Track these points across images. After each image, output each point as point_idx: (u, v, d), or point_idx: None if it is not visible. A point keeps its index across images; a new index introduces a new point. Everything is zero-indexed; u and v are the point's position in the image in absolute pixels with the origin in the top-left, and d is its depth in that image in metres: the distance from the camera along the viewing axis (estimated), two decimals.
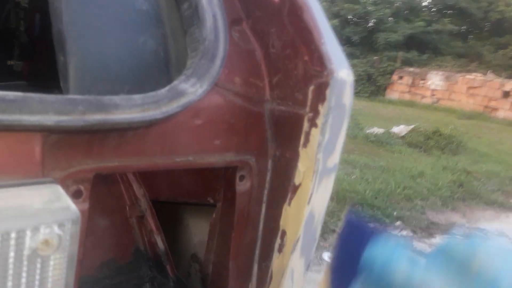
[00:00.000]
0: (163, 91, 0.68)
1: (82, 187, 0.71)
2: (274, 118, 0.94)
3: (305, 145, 0.90)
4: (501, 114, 15.42)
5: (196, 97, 0.71)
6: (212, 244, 1.15)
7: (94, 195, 1.36)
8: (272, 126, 0.96)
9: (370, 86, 18.67)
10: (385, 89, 18.85)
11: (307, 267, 1.02)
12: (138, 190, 1.40)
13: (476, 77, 16.43)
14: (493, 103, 15.76)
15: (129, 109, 0.62)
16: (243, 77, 0.89)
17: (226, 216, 1.06)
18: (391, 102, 17.46)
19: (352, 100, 0.89)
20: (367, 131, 8.79)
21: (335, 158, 0.93)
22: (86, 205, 0.72)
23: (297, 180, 0.94)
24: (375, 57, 19.70)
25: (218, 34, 0.78)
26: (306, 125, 0.88)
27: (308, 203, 0.93)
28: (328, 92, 0.82)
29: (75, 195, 0.71)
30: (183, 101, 0.69)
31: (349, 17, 23.72)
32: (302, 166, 0.92)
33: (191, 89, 0.71)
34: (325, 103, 0.83)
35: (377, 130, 8.95)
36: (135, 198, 1.40)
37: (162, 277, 1.37)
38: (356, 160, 6.91)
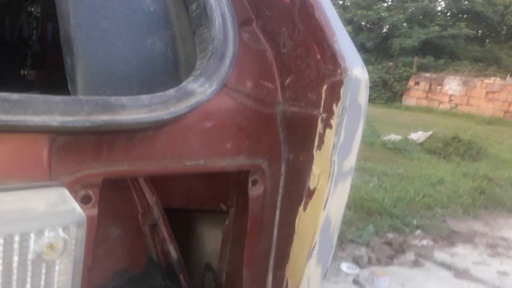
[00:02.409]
0: (171, 91, 0.66)
1: (91, 192, 0.69)
2: (286, 120, 0.92)
3: (319, 147, 0.87)
4: None
5: (205, 97, 0.69)
6: (225, 252, 1.13)
7: (106, 203, 1.35)
8: (285, 128, 0.93)
9: (386, 92, 18.49)
10: (401, 95, 18.64)
11: (324, 275, 0.98)
12: (151, 198, 1.39)
13: (495, 81, 16.12)
14: None
15: (136, 110, 0.60)
16: (254, 78, 0.87)
17: (239, 223, 1.03)
18: (408, 108, 17.24)
19: (367, 100, 0.86)
20: (384, 138, 8.67)
21: (351, 160, 0.90)
22: (95, 211, 0.70)
23: (312, 184, 0.90)
24: (390, 63, 19.54)
25: (227, 34, 0.76)
26: (320, 126, 0.85)
27: (324, 208, 0.89)
28: (342, 91, 0.79)
29: (84, 200, 0.69)
30: (191, 101, 0.67)
31: (362, 23, 23.65)
32: (316, 169, 0.89)
33: (200, 89, 0.69)
34: (339, 103, 0.80)
35: (394, 137, 8.82)
36: (147, 206, 1.39)
37: (175, 286, 1.34)
38: (373, 167, 6.81)
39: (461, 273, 3.96)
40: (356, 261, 3.93)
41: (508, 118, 15.18)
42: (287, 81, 0.89)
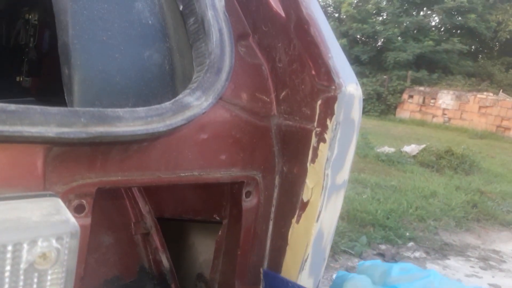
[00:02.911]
0: (168, 104, 0.67)
1: (84, 202, 0.70)
2: (281, 133, 0.93)
3: (313, 160, 0.88)
4: None
5: (201, 111, 0.70)
6: (218, 263, 1.12)
7: (99, 211, 1.35)
8: (279, 141, 0.94)
9: (380, 105, 18.62)
10: (395, 108, 18.78)
11: (317, 287, 0.99)
12: (144, 207, 1.38)
13: (487, 96, 16.30)
14: (505, 123, 15.57)
15: (132, 122, 0.61)
16: (249, 92, 0.88)
17: (232, 234, 1.04)
18: (401, 121, 17.35)
19: (361, 115, 0.87)
20: (378, 150, 8.72)
21: (344, 174, 0.91)
22: (88, 220, 0.71)
23: (305, 197, 0.91)
24: (384, 76, 19.71)
25: (224, 48, 0.78)
26: (314, 140, 0.86)
27: (317, 220, 0.90)
28: (336, 106, 0.80)
29: (77, 210, 0.69)
30: (187, 114, 0.67)
31: (357, 36, 23.88)
32: (310, 182, 0.90)
33: (196, 102, 0.70)
34: (333, 118, 0.81)
35: (387, 149, 8.87)
36: (140, 215, 1.39)
37: None
38: (367, 179, 6.83)
39: None
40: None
41: (500, 133, 15.33)
42: (282, 95, 0.90)
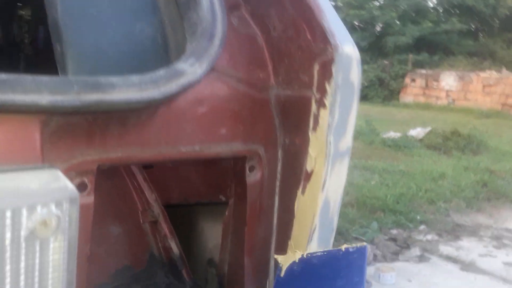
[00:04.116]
0: (161, 71, 0.66)
1: (86, 180, 0.69)
2: (280, 104, 0.92)
3: (314, 128, 0.87)
4: None
5: (196, 77, 0.69)
6: (226, 243, 1.12)
7: (105, 202, 1.35)
8: (279, 113, 0.93)
9: (383, 91, 18.51)
10: (398, 93, 18.66)
11: None
12: (150, 195, 1.38)
13: (490, 74, 16.15)
14: (510, 101, 15.43)
15: (126, 89, 0.60)
16: (245, 63, 0.87)
17: (238, 211, 1.03)
18: (405, 105, 17.25)
19: (360, 78, 0.86)
20: (384, 136, 8.67)
21: (347, 140, 0.89)
22: (91, 199, 0.70)
23: (309, 167, 0.90)
24: (385, 61, 19.58)
25: (216, 15, 0.76)
26: (314, 107, 0.85)
27: (322, 190, 0.89)
28: (334, 69, 0.79)
29: (80, 188, 0.68)
30: (182, 81, 0.66)
31: (355, 23, 23.72)
32: (313, 151, 0.89)
33: (190, 69, 0.69)
34: (331, 81, 0.80)
35: (393, 134, 8.82)
36: (147, 203, 1.38)
37: (178, 282, 1.33)
38: (374, 165, 6.80)
39: (467, 266, 3.93)
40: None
41: (506, 111, 15.19)
42: (279, 64, 0.89)
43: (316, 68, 0.82)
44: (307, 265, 0.49)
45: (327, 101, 0.82)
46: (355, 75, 0.83)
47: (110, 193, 1.35)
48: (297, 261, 0.51)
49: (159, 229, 1.37)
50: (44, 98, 0.53)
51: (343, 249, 0.46)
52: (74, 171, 0.66)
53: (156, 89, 0.63)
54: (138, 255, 1.39)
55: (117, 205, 1.39)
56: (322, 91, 0.82)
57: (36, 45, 1.43)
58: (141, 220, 1.38)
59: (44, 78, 0.54)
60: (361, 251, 0.45)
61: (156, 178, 1.39)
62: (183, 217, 1.43)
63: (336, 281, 0.47)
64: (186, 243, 1.38)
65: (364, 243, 0.45)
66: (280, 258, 0.51)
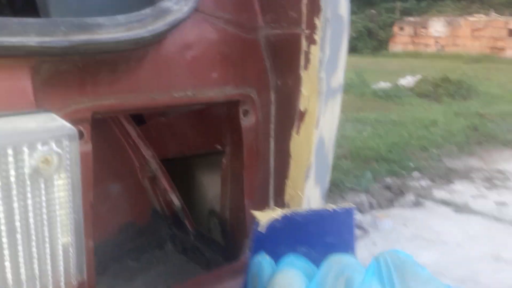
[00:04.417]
0: (147, 10, 0.65)
1: (81, 128, 0.69)
2: (270, 44, 0.91)
3: (306, 66, 0.87)
4: (509, 53, 15.04)
5: (182, 15, 0.68)
6: (226, 190, 1.14)
7: (102, 162, 1.35)
8: (270, 55, 0.93)
9: (372, 41, 18.28)
10: (387, 43, 18.45)
11: (324, 196, 1.00)
12: (146, 152, 1.39)
13: (479, 18, 15.97)
14: (499, 43, 15.36)
15: (113, 29, 0.59)
16: (231, 3, 0.85)
17: (236, 158, 1.04)
18: (395, 55, 17.11)
19: (349, 13, 0.85)
20: (374, 87, 8.66)
21: (339, 77, 0.90)
22: (89, 147, 0.70)
23: (302, 106, 0.91)
24: (372, 11, 19.20)
25: None
26: (304, 44, 0.84)
27: (317, 127, 0.90)
28: (322, 2, 0.78)
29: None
30: (169, 19, 0.65)
31: None
32: (305, 90, 0.89)
33: (175, 6, 0.67)
34: (320, 15, 0.79)
35: (384, 84, 8.81)
36: (144, 160, 1.39)
37: (182, 233, 1.37)
38: (366, 117, 6.84)
39: (460, 208, 4.05)
40: (358, 207, 4.01)
41: (495, 54, 15.15)
42: (266, 2, 0.87)
43: (304, 2, 0.80)
44: (291, 222, 0.49)
45: (317, 37, 0.81)
46: (344, 8, 0.81)
47: (106, 153, 1.36)
48: (279, 218, 0.50)
49: (158, 184, 1.39)
50: (32, 40, 0.52)
51: (331, 210, 0.45)
52: (69, 119, 0.66)
53: (144, 28, 0.62)
54: (141, 210, 1.41)
55: (115, 164, 1.39)
56: (312, 27, 0.81)
57: (14, 5, 1.38)
58: (140, 177, 1.40)
59: (30, 20, 0.53)
60: (349, 213, 0.45)
61: (150, 134, 1.39)
62: (182, 170, 1.44)
63: (325, 237, 0.47)
64: (186, 195, 1.40)
65: (351, 204, 0.45)
66: (258, 214, 0.50)
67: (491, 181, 4.67)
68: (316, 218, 0.48)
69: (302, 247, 0.49)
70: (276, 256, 0.48)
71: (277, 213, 0.51)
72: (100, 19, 0.59)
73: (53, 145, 0.46)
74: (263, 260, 0.44)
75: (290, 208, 0.96)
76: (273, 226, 0.51)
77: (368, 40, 18.21)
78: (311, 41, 0.83)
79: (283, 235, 0.51)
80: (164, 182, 1.36)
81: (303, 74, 0.87)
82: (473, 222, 3.65)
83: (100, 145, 1.36)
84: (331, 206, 0.47)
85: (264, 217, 0.51)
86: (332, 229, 0.46)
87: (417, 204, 4.07)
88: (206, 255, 1.29)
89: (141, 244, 1.35)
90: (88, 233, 0.72)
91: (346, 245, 0.46)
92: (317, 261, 0.44)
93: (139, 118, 1.44)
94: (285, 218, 0.50)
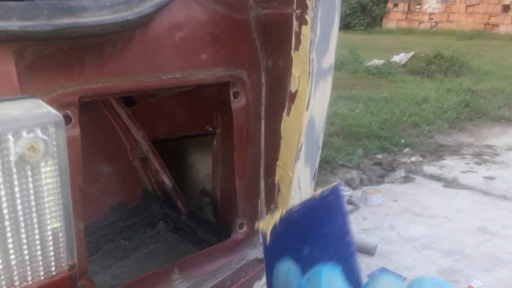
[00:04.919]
0: None
1: (69, 112, 0.68)
2: (261, 24, 0.89)
3: (296, 47, 0.86)
4: (502, 29, 15.00)
5: None
6: (217, 171, 1.14)
7: (92, 143, 1.35)
8: (261, 35, 0.91)
9: (366, 18, 18.10)
10: (381, 19, 18.28)
11: (314, 176, 1.01)
12: (137, 133, 1.38)
13: None
14: (493, 19, 15.29)
15: (98, 12, 0.57)
16: None
17: (226, 139, 1.04)
18: (388, 32, 16.99)
19: None
20: (367, 64, 8.63)
21: (330, 57, 0.89)
22: (77, 131, 0.70)
23: (293, 87, 0.90)
24: None
25: None
26: (295, 24, 0.83)
27: (307, 109, 0.90)
28: None
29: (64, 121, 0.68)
30: (156, 0, 0.64)
31: None
32: (296, 71, 0.88)
33: None
34: None
35: (377, 61, 8.78)
36: (134, 141, 1.39)
37: (173, 212, 1.38)
38: (358, 94, 6.84)
39: (450, 183, 4.13)
40: (349, 183, 4.06)
41: (488, 31, 15.11)
42: None
43: None
44: (288, 222, 0.47)
45: (308, 17, 0.80)
46: None
47: (96, 135, 1.35)
48: (277, 222, 0.48)
49: (149, 165, 1.39)
50: (13, 24, 0.50)
51: (318, 195, 0.42)
52: (56, 103, 0.65)
53: (130, 10, 0.60)
54: (132, 191, 1.42)
55: (105, 146, 1.39)
56: (303, 7, 0.80)
57: None
58: (130, 158, 1.39)
59: (12, 3, 0.51)
60: (336, 191, 0.41)
61: (141, 116, 1.38)
62: (173, 151, 1.44)
63: (321, 230, 0.45)
64: (178, 175, 1.41)
65: (338, 181, 0.42)
66: (261, 224, 0.48)
67: (481, 156, 4.75)
68: (309, 210, 0.46)
69: (305, 247, 0.47)
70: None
71: (276, 217, 0.49)
72: (85, 2, 0.57)
73: (39, 132, 0.46)
74: (290, 270, 0.43)
75: (281, 190, 0.97)
76: (275, 232, 0.49)
77: (362, 16, 18.01)
78: (302, 21, 0.81)
79: (285, 237, 0.49)
80: (155, 163, 1.36)
81: (294, 55, 0.87)
82: (462, 196, 3.73)
83: (91, 127, 1.35)
84: (317, 192, 0.45)
85: (267, 225, 0.49)
86: (324, 218, 0.44)
87: (407, 179, 4.14)
88: (198, 234, 1.31)
89: (132, 224, 1.36)
90: (78, 216, 0.72)
91: (341, 233, 0.43)
92: (319, 260, 0.42)
93: (129, 99, 1.43)
94: (282, 220, 0.49)
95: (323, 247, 0.45)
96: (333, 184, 0.45)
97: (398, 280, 0.36)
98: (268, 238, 0.50)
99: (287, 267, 0.43)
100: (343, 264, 0.40)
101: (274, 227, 0.49)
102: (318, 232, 0.46)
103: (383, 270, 2.48)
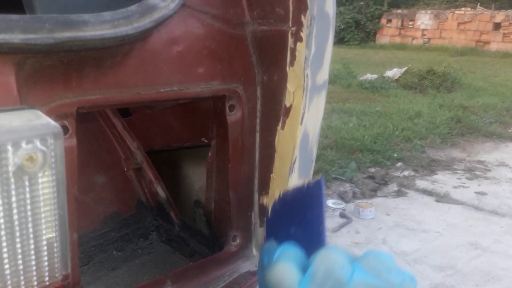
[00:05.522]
0: (133, 7, 0.64)
1: (66, 123, 0.69)
2: (257, 40, 0.91)
3: (292, 63, 0.88)
4: (493, 46, 15.28)
5: (169, 12, 0.68)
6: (211, 183, 1.15)
7: (87, 153, 1.35)
8: (256, 50, 0.93)
9: (360, 33, 18.37)
10: (374, 35, 18.55)
11: None
12: (132, 143, 1.39)
13: (465, 12, 16.15)
14: (484, 37, 15.59)
15: (99, 26, 0.59)
16: None
17: (221, 151, 1.05)
18: (382, 47, 17.23)
19: (335, 10, 0.86)
20: (361, 78, 8.72)
21: (324, 73, 0.91)
22: (73, 141, 0.70)
23: (287, 102, 0.92)
24: (361, 2, 19.26)
25: None
26: (290, 41, 0.85)
27: (301, 123, 0.91)
28: (309, 0, 0.79)
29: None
30: (155, 16, 0.65)
31: None
32: (291, 86, 0.90)
33: (162, 3, 0.67)
34: (307, 13, 0.80)
35: (370, 76, 8.87)
36: (129, 151, 1.39)
37: (167, 223, 1.38)
38: (352, 108, 6.90)
39: (442, 197, 4.15)
40: (342, 196, 4.07)
41: (480, 48, 15.38)
42: None
43: (291, 0, 0.81)
44: (283, 203, 0.52)
45: (303, 34, 0.82)
46: (330, 6, 0.82)
47: (91, 145, 1.35)
48: (276, 201, 0.53)
49: (144, 175, 1.39)
50: (16, 37, 0.51)
51: (305, 184, 0.48)
52: (53, 114, 0.66)
53: (129, 25, 0.62)
54: (126, 201, 1.42)
55: (100, 156, 1.39)
56: (298, 24, 0.82)
57: None
58: (125, 168, 1.40)
59: (14, 17, 0.53)
60: (318, 183, 0.46)
61: (136, 127, 1.39)
62: (167, 162, 1.45)
63: (305, 215, 0.50)
64: (172, 186, 1.41)
65: (320, 175, 0.47)
66: (265, 199, 0.53)
67: (473, 171, 4.79)
68: (298, 195, 0.51)
69: (291, 227, 0.52)
70: (281, 240, 0.50)
71: (276, 196, 0.55)
72: (86, 16, 0.58)
73: (38, 143, 0.46)
74: (270, 247, 0.46)
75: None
76: (274, 209, 0.55)
77: (356, 31, 18.28)
78: (297, 38, 0.83)
79: (281, 216, 0.54)
80: (150, 174, 1.37)
81: (289, 70, 0.88)
82: (454, 211, 3.75)
83: (86, 137, 1.36)
84: (305, 182, 0.50)
85: (269, 200, 0.55)
86: (307, 205, 0.49)
87: (399, 193, 4.16)
88: (191, 246, 1.31)
89: (125, 234, 1.36)
90: (72, 226, 0.72)
91: (318, 222, 0.49)
92: (300, 240, 0.47)
93: (125, 110, 1.44)
94: (280, 199, 0.54)
95: (304, 229, 0.49)
96: (317, 178, 0.50)
97: (339, 252, 0.38)
98: (269, 213, 0.56)
99: (268, 245, 0.48)
100: (315, 246, 0.44)
101: (274, 204, 0.54)
102: (303, 217, 0.50)
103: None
